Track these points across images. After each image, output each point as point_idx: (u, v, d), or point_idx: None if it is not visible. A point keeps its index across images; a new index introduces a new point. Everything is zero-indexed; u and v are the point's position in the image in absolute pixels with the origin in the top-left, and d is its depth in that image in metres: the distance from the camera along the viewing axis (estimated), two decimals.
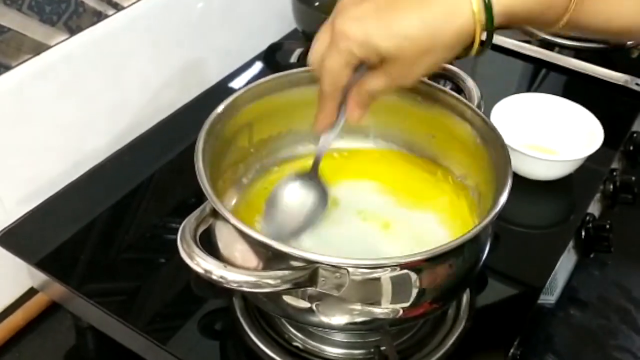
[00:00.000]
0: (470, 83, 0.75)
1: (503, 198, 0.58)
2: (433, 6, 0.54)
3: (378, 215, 0.72)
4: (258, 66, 1.12)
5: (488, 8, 0.53)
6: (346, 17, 0.55)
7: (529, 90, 1.10)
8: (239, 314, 0.72)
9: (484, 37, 0.56)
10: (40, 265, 0.78)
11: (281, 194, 0.68)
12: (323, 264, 0.53)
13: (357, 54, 0.55)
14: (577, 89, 1.10)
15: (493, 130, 0.66)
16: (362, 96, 0.59)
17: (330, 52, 0.56)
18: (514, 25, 0.57)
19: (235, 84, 1.08)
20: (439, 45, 0.54)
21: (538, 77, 1.14)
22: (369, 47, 0.54)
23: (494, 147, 0.65)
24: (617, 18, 0.57)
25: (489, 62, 1.15)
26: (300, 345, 0.70)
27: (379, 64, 0.56)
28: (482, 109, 0.71)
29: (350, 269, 0.54)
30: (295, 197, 0.68)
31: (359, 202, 0.73)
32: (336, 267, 0.53)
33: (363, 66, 0.57)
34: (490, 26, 0.54)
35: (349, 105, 0.60)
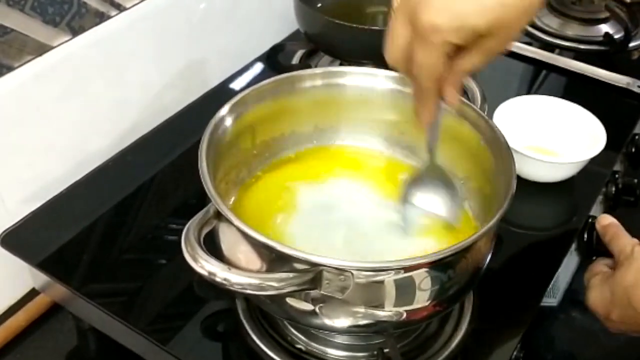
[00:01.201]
0: (473, 84, 0.75)
1: (507, 202, 0.58)
2: None
3: (376, 216, 0.71)
4: (260, 67, 1.12)
5: None
6: (429, 7, 0.51)
7: (529, 92, 1.10)
8: (241, 316, 0.72)
9: None
10: (42, 266, 0.78)
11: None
12: (327, 266, 0.53)
13: (454, 42, 0.52)
14: (578, 91, 1.10)
15: (496, 132, 0.66)
16: (458, 78, 0.58)
17: (422, 48, 0.53)
18: None
19: (238, 85, 1.08)
20: (536, 2, 0.52)
21: (539, 79, 1.14)
22: (467, 31, 0.51)
23: (498, 149, 0.65)
24: None
25: (489, 63, 1.15)
26: (302, 348, 0.70)
27: (474, 41, 0.53)
28: (485, 111, 0.71)
29: (354, 272, 0.54)
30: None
31: (356, 202, 0.73)
32: (340, 270, 0.53)
33: None
34: None
35: (449, 92, 0.58)
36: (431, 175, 0.68)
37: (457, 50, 0.55)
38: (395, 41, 0.56)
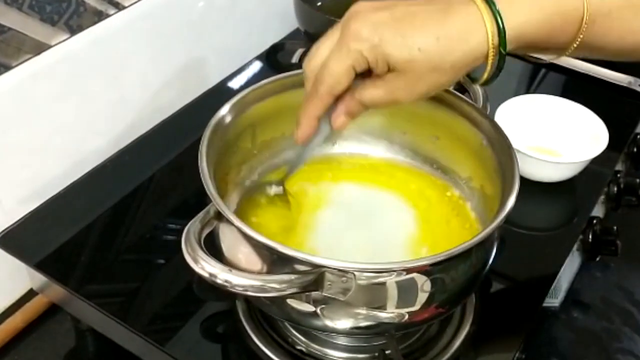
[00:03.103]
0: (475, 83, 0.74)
1: (511, 202, 0.58)
2: (449, 24, 0.53)
3: (380, 218, 0.71)
4: (259, 66, 1.11)
5: (501, 31, 0.53)
6: (362, 20, 0.54)
7: (529, 91, 1.09)
8: (241, 317, 0.71)
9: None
10: (40, 266, 0.77)
11: None
12: (329, 268, 0.53)
13: (367, 57, 0.54)
14: (579, 90, 1.09)
15: (500, 132, 0.66)
16: (354, 103, 0.58)
17: (337, 53, 0.55)
18: (526, 49, 0.56)
19: (236, 84, 1.07)
20: (449, 63, 0.54)
21: (539, 77, 1.13)
22: (381, 53, 0.53)
23: (501, 149, 0.65)
24: (631, 34, 0.56)
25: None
26: (303, 349, 0.69)
27: (383, 73, 0.55)
28: (488, 110, 0.71)
29: (356, 273, 0.53)
30: None
31: (360, 206, 0.73)
32: (343, 271, 0.53)
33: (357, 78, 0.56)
34: (504, 49, 0.53)
35: (337, 110, 0.59)
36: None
37: (365, 80, 0.56)
38: (320, 51, 0.57)
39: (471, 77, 0.58)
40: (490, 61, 0.54)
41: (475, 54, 0.54)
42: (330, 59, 0.56)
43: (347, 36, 0.54)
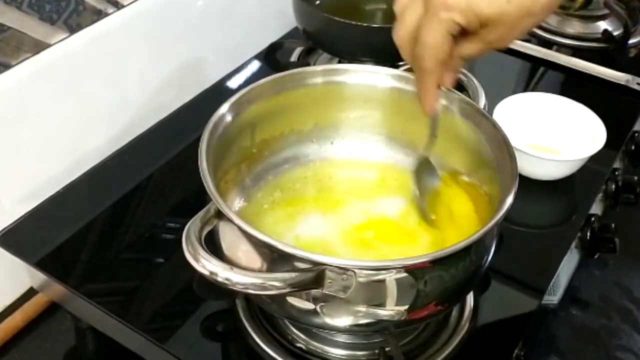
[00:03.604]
0: (474, 81, 0.75)
1: (509, 200, 0.58)
2: None
3: (381, 215, 0.72)
4: (258, 65, 1.11)
5: None
6: None
7: (527, 89, 1.10)
8: (241, 315, 0.71)
9: None
10: (40, 265, 0.77)
11: None
12: (330, 265, 0.53)
13: (459, 22, 0.56)
14: (577, 88, 1.09)
15: (498, 130, 0.66)
16: (454, 60, 0.61)
17: (428, 25, 0.57)
18: None
19: (235, 83, 1.07)
20: (539, 5, 0.56)
21: (537, 76, 1.13)
22: (472, 14, 0.56)
23: (499, 147, 0.65)
24: None
25: (487, 60, 1.14)
26: (303, 347, 0.69)
27: (477, 31, 0.57)
28: (486, 108, 0.71)
29: (356, 271, 0.53)
30: None
31: (363, 203, 0.74)
32: (343, 269, 0.53)
33: None
34: None
35: (446, 76, 0.62)
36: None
37: (459, 38, 0.59)
38: (406, 20, 0.60)
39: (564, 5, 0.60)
40: None
41: None
42: (424, 33, 0.58)
43: (434, 8, 0.57)
